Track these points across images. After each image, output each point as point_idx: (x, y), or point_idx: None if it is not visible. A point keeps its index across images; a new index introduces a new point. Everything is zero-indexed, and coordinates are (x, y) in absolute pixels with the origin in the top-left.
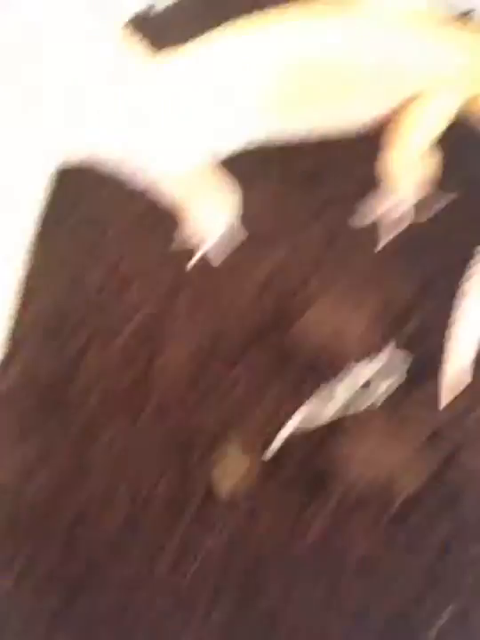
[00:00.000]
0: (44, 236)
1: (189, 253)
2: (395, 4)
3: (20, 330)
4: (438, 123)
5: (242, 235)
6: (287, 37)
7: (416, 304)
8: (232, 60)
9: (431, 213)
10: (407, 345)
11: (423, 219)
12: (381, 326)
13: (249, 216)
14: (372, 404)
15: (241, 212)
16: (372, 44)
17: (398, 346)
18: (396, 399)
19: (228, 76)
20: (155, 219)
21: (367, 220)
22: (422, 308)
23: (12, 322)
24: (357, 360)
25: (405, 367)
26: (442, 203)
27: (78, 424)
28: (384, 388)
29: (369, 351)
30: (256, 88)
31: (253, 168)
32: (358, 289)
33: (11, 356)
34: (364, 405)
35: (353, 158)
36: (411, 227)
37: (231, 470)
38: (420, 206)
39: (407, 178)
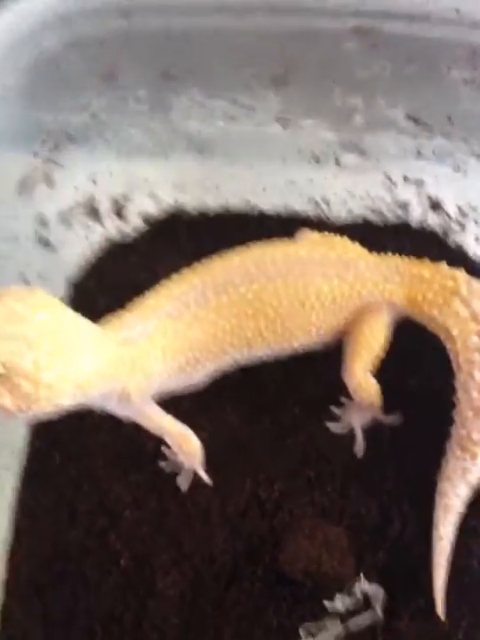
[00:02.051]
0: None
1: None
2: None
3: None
4: (385, 334)
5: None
6: (237, 272)
7: (383, 533)
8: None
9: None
10: (379, 577)
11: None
12: (352, 560)
13: (231, 436)
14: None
15: (220, 436)
16: (321, 270)
17: (370, 579)
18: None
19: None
20: (138, 449)
21: (342, 425)
22: (389, 536)
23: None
24: (332, 595)
25: (378, 601)
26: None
27: None
28: (360, 622)
29: (342, 585)
30: (217, 324)
31: (228, 392)
32: (330, 515)
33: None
34: None
35: (320, 369)
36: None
37: None
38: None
39: (371, 385)
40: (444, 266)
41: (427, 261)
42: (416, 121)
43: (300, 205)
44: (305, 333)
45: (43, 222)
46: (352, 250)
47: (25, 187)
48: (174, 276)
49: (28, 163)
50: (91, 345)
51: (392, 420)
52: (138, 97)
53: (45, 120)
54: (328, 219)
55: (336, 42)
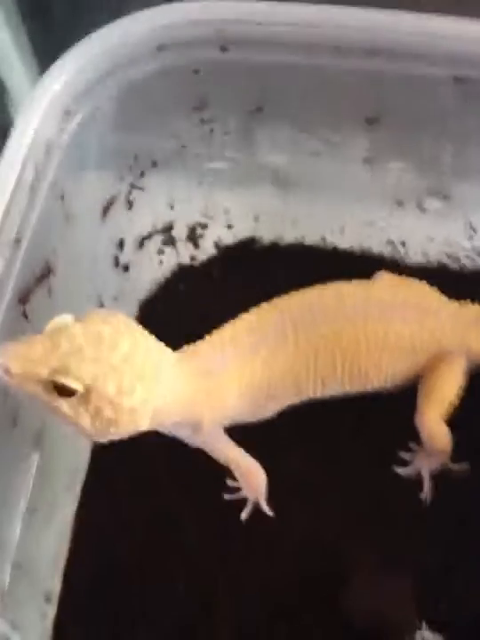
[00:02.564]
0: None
1: (241, 504)
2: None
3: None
4: (460, 382)
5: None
6: (317, 310)
7: (447, 582)
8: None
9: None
10: (440, 627)
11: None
12: (414, 607)
13: (297, 471)
14: None
15: (284, 471)
16: (402, 315)
17: (432, 628)
18: None
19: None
20: (202, 475)
21: (409, 471)
22: (452, 587)
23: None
24: None
25: None
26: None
27: None
28: None
29: (403, 634)
30: (293, 360)
31: (294, 427)
32: (393, 561)
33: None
34: None
35: (391, 411)
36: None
37: None
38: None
39: (443, 433)
40: None
41: None
42: None
43: (377, 246)
44: (380, 376)
45: (121, 246)
46: (432, 296)
47: (108, 210)
48: (253, 310)
49: (114, 187)
50: (170, 373)
51: (461, 468)
52: (226, 128)
53: (133, 145)
54: (403, 261)
55: (433, 89)
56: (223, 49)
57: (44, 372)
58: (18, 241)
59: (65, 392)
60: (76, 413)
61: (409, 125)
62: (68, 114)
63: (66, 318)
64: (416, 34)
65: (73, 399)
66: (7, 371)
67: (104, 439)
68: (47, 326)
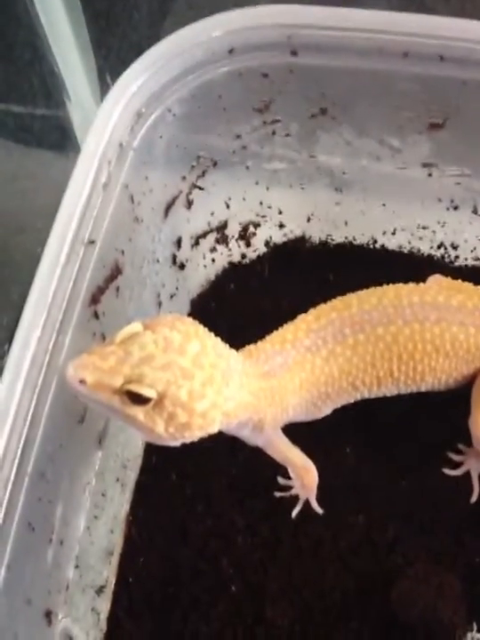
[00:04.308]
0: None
1: (290, 503)
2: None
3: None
4: None
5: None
6: (375, 312)
7: None
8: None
9: None
10: None
11: None
12: (465, 609)
13: (347, 470)
14: None
15: (335, 470)
16: (459, 318)
17: None
18: None
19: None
20: (253, 475)
21: (459, 472)
22: None
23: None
24: None
25: None
26: None
27: None
28: None
29: (454, 634)
30: (351, 361)
31: (346, 426)
32: (444, 562)
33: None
34: None
35: (441, 412)
36: None
37: None
38: None
39: None
40: None
41: None
42: None
43: (426, 248)
44: (435, 378)
45: (178, 244)
46: None
47: (169, 209)
48: (311, 311)
49: (176, 186)
50: (237, 375)
51: None
52: (287, 130)
53: (197, 146)
54: (453, 264)
55: None
56: (293, 53)
57: (118, 382)
58: (92, 242)
59: (139, 400)
60: (151, 420)
61: (472, 131)
62: (139, 116)
63: (136, 326)
64: None
65: (147, 406)
66: (83, 381)
67: (176, 443)
68: (117, 335)
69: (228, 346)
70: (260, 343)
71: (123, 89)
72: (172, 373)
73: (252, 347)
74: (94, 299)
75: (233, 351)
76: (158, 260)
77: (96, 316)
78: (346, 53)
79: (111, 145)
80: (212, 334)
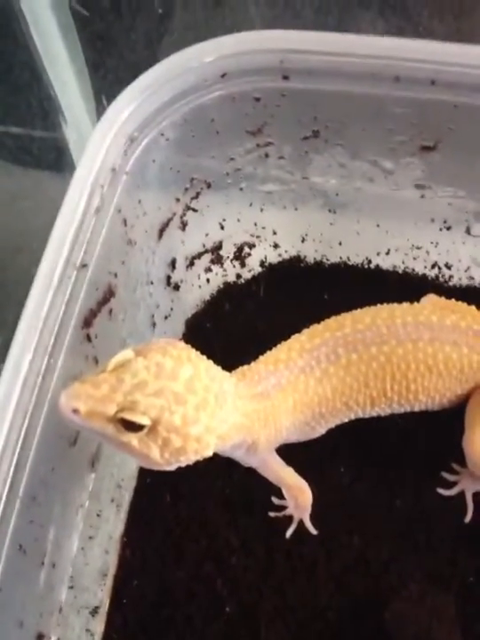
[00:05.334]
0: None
1: (284, 524)
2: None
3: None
4: None
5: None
6: (368, 332)
7: None
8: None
9: None
10: None
11: None
12: (459, 629)
13: (341, 490)
14: None
15: (330, 489)
16: (452, 338)
17: None
18: None
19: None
20: (248, 495)
21: (453, 492)
22: None
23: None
24: None
25: None
26: None
27: None
28: None
29: None
30: (345, 381)
31: (341, 446)
32: (438, 582)
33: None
34: None
35: (436, 431)
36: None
37: None
38: None
39: None
40: None
41: None
42: None
43: (421, 268)
44: (428, 397)
45: (173, 265)
46: None
47: (163, 231)
48: (305, 331)
49: (170, 209)
50: (230, 397)
51: None
52: (280, 152)
53: (191, 168)
54: (447, 284)
55: None
56: (285, 77)
57: (111, 410)
58: (84, 266)
59: (133, 427)
60: (146, 446)
61: (464, 153)
62: (132, 140)
63: (127, 353)
64: (473, 65)
65: (141, 433)
66: (76, 411)
67: (171, 468)
68: (109, 362)
69: (220, 368)
70: (253, 364)
71: (115, 114)
72: (165, 399)
73: (245, 368)
74: (87, 322)
75: (226, 373)
76: (152, 282)
77: (88, 338)
78: (337, 78)
79: (103, 170)
80: (205, 357)
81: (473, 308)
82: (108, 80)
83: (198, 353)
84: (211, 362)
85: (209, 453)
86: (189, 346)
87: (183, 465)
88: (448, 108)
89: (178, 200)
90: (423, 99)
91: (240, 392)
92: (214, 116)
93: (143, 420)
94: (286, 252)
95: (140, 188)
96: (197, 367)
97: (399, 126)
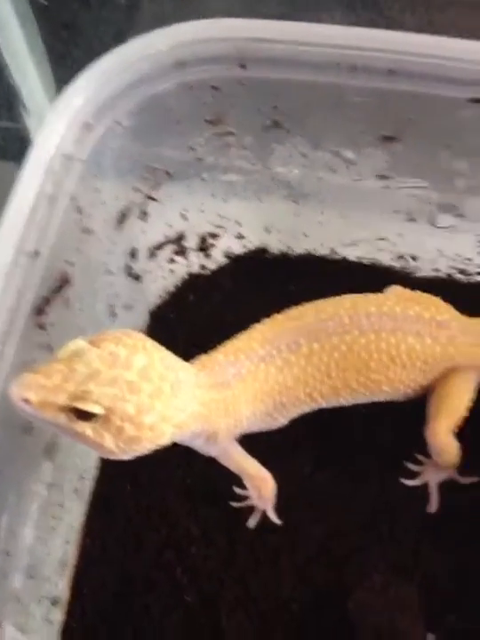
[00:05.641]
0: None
1: (248, 514)
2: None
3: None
4: (471, 395)
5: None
6: (330, 321)
7: (455, 595)
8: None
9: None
10: (447, 638)
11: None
12: (422, 619)
13: (305, 480)
14: None
15: (293, 480)
16: (415, 328)
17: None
18: None
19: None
20: (210, 484)
21: (417, 482)
22: (460, 599)
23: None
24: None
25: None
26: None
27: None
28: None
29: None
30: (306, 370)
31: (304, 436)
32: (402, 572)
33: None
34: None
35: (399, 422)
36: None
37: None
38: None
39: (452, 446)
40: None
41: None
42: None
43: (387, 259)
44: (392, 388)
45: (134, 256)
46: (445, 310)
47: (123, 221)
48: (266, 320)
49: (128, 197)
50: (187, 386)
51: (468, 481)
52: (242, 142)
53: (150, 158)
54: (413, 275)
55: (451, 108)
56: (242, 66)
57: (63, 400)
58: (36, 253)
59: (86, 417)
60: (99, 436)
61: (426, 144)
62: (87, 127)
63: (79, 342)
64: (432, 56)
65: (94, 422)
66: (27, 401)
67: (127, 457)
68: (60, 351)
69: (178, 358)
70: (213, 354)
71: (68, 101)
72: (119, 388)
73: (204, 357)
74: (40, 310)
75: (184, 363)
76: (112, 272)
77: (42, 327)
78: (295, 67)
79: (56, 157)
80: (163, 347)
81: (437, 299)
82: (73, 70)
83: (155, 342)
84: (168, 351)
85: (165, 442)
86: (145, 336)
87: (139, 454)
88: (407, 98)
89: (137, 190)
90: (382, 88)
91: (198, 381)
92: (172, 105)
93: (96, 410)
94: (251, 242)
95: (97, 177)
96: (152, 356)
97: (359, 116)
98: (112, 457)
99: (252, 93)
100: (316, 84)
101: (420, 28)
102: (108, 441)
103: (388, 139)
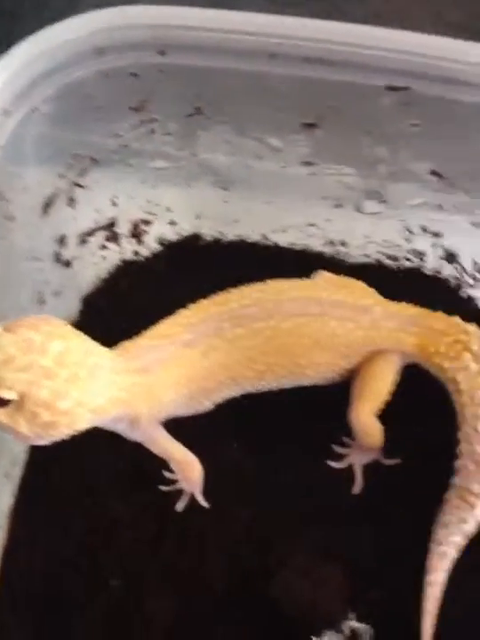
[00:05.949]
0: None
1: (176, 497)
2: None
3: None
4: (393, 379)
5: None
6: (254, 306)
7: (377, 574)
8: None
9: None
10: (369, 617)
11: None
12: (345, 599)
13: (232, 463)
14: None
15: (219, 463)
16: (338, 313)
17: (360, 617)
18: None
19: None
20: (139, 468)
21: (343, 464)
22: (383, 578)
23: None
24: (321, 631)
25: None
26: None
27: None
28: None
29: (332, 622)
30: (230, 355)
31: (230, 420)
32: (325, 552)
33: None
34: None
35: (325, 405)
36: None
37: None
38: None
39: (375, 428)
40: (457, 320)
41: (441, 314)
42: (439, 176)
43: (317, 245)
44: (316, 372)
45: (62, 242)
46: (370, 295)
47: (49, 207)
48: (191, 306)
49: (54, 184)
50: (106, 371)
51: (392, 462)
52: (166, 129)
53: (73, 144)
54: (343, 261)
55: (370, 96)
56: (161, 53)
57: None
58: None
59: (0, 402)
60: (14, 421)
61: (346, 130)
62: (5, 113)
63: None
64: (349, 44)
65: (8, 408)
66: None
67: (44, 442)
68: None
69: (98, 344)
70: (137, 339)
71: None
72: (34, 374)
73: (127, 343)
74: None
75: (103, 348)
76: (39, 258)
77: None
78: (215, 54)
79: None
80: (82, 333)
81: (362, 283)
82: None
83: (74, 329)
84: (86, 337)
85: (82, 427)
86: (65, 322)
87: (57, 439)
88: (327, 85)
89: (63, 176)
90: (301, 76)
91: (119, 366)
92: (92, 92)
93: (9, 395)
94: (184, 229)
95: (18, 164)
96: (69, 342)
97: (281, 103)
98: (29, 442)
99: (174, 80)
100: (238, 72)
101: (366, 19)
102: (23, 426)
103: (310, 126)
